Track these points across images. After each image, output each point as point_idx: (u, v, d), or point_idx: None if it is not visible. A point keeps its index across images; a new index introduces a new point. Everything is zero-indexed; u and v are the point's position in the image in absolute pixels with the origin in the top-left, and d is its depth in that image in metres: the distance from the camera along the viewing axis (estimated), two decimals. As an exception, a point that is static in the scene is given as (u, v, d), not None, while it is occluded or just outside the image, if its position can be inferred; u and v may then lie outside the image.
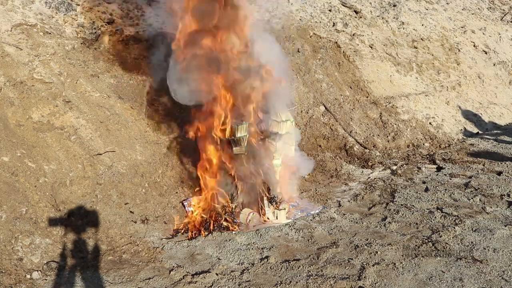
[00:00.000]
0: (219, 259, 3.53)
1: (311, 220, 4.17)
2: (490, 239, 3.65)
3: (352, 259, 3.45)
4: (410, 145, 6.22)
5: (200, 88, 3.95)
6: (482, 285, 3.05)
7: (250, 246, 3.73)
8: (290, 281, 3.17)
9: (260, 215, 4.21)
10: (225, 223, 4.04)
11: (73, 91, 4.51)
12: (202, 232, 3.91)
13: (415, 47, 7.78)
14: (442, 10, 8.97)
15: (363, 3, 7.97)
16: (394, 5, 8.27)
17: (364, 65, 6.99)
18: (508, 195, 4.51)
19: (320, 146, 5.75)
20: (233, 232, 3.96)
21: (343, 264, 3.38)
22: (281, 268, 3.37)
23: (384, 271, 3.27)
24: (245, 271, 3.33)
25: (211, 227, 3.99)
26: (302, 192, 4.84)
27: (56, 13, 5.14)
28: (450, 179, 5.08)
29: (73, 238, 3.59)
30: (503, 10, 10.02)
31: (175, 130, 4.86)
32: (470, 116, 7.22)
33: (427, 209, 4.30)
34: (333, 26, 7.25)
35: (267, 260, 3.47)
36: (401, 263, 3.35)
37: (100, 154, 4.21)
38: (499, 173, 5.14)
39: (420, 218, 4.10)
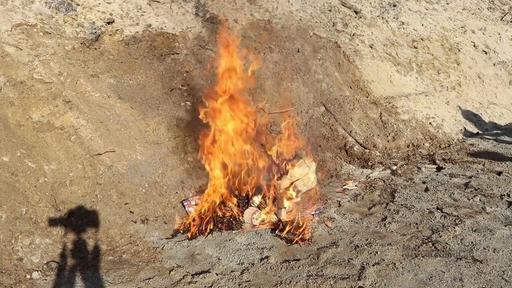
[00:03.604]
0: (219, 259, 3.54)
1: (311, 220, 4.17)
2: (490, 239, 3.66)
3: (352, 259, 3.45)
4: (410, 145, 6.22)
5: None
6: (482, 285, 3.05)
7: (250, 246, 3.73)
8: (290, 281, 3.17)
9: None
10: (226, 223, 4.04)
11: (73, 91, 4.51)
12: (206, 231, 3.91)
13: (415, 47, 7.78)
14: (442, 10, 8.96)
15: (363, 3, 7.97)
16: (394, 5, 8.27)
17: (364, 65, 6.98)
18: (508, 195, 4.51)
19: (320, 146, 5.75)
20: (233, 232, 3.97)
21: (343, 264, 3.38)
22: (281, 268, 3.37)
23: (384, 271, 3.27)
24: (245, 271, 3.33)
25: (211, 226, 3.99)
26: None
27: (56, 13, 5.14)
28: (450, 179, 5.08)
29: (73, 238, 3.59)
30: (503, 10, 10.01)
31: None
32: (470, 116, 7.22)
33: (427, 209, 4.30)
34: (333, 26, 7.25)
35: (267, 260, 3.47)
36: (401, 263, 3.36)
37: (100, 154, 4.21)
38: (499, 173, 5.14)
39: (420, 218, 4.10)
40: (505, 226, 3.86)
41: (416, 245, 3.61)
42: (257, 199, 4.29)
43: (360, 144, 5.91)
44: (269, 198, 4.28)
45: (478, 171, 5.28)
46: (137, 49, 5.31)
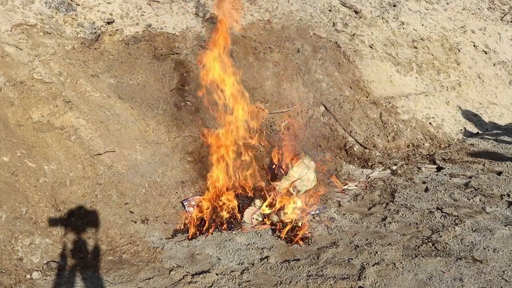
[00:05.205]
0: (219, 259, 3.54)
1: (311, 220, 4.17)
2: (490, 239, 3.66)
3: (352, 259, 3.45)
4: (410, 145, 6.22)
5: None
6: (482, 285, 3.05)
7: (250, 246, 3.73)
8: (290, 281, 3.17)
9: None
10: (226, 226, 4.04)
11: (73, 91, 4.51)
12: (207, 231, 3.91)
13: (415, 47, 7.78)
14: (442, 10, 8.96)
15: (363, 3, 7.97)
16: (394, 5, 8.27)
17: (364, 65, 6.98)
18: (508, 195, 4.51)
19: (320, 146, 5.75)
20: (233, 232, 3.97)
21: (343, 264, 3.38)
22: (281, 268, 3.37)
23: (384, 271, 3.27)
24: (245, 271, 3.33)
25: (212, 228, 3.98)
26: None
27: (56, 13, 5.14)
28: (450, 179, 5.08)
29: (73, 238, 3.59)
30: (503, 10, 10.01)
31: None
32: (470, 116, 7.22)
33: (427, 209, 4.30)
34: (333, 26, 7.25)
35: (267, 260, 3.47)
36: (401, 263, 3.36)
37: (100, 154, 4.21)
38: (499, 173, 5.14)
39: (420, 218, 4.10)
40: (505, 226, 3.86)
41: (416, 245, 3.61)
42: (258, 202, 4.28)
43: (360, 144, 5.91)
44: (269, 199, 4.28)
45: (478, 171, 5.28)
46: (137, 49, 5.31)
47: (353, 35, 7.31)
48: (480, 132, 6.98)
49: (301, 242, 3.74)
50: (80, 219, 3.74)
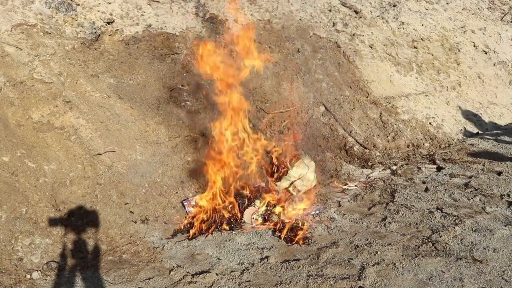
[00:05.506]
0: (219, 259, 3.54)
1: (311, 220, 4.17)
2: (490, 239, 3.66)
3: (352, 259, 3.45)
4: (410, 145, 6.22)
5: None
6: (482, 285, 3.05)
7: (250, 246, 3.73)
8: (290, 281, 3.17)
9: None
10: (226, 226, 4.04)
11: (73, 91, 4.51)
12: (207, 231, 3.91)
13: (415, 47, 7.78)
14: (442, 10, 8.96)
15: (363, 3, 7.97)
16: (394, 5, 8.27)
17: (364, 65, 6.98)
18: (508, 195, 4.51)
19: (320, 146, 5.75)
20: (233, 232, 3.97)
21: (343, 264, 3.38)
22: (281, 268, 3.37)
23: (384, 271, 3.27)
24: (245, 271, 3.33)
25: (212, 228, 3.99)
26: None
27: (56, 13, 5.14)
28: (450, 179, 5.08)
29: (73, 238, 3.59)
30: (503, 10, 10.01)
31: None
32: (470, 116, 7.22)
33: (427, 209, 4.30)
34: (333, 26, 7.25)
35: (267, 260, 3.47)
36: (401, 263, 3.36)
37: (100, 154, 4.21)
38: (499, 173, 5.14)
39: (420, 218, 4.10)
40: (505, 226, 3.86)
41: (416, 245, 3.61)
42: (258, 202, 4.28)
43: (360, 144, 5.91)
44: (269, 199, 4.28)
45: (478, 171, 5.28)
46: (137, 49, 5.31)
47: (353, 35, 7.31)
48: (480, 132, 6.98)
49: (301, 242, 3.74)
50: (80, 219, 3.74)
